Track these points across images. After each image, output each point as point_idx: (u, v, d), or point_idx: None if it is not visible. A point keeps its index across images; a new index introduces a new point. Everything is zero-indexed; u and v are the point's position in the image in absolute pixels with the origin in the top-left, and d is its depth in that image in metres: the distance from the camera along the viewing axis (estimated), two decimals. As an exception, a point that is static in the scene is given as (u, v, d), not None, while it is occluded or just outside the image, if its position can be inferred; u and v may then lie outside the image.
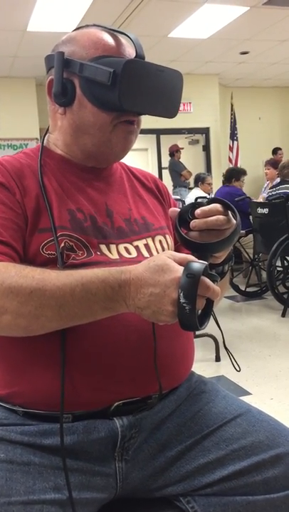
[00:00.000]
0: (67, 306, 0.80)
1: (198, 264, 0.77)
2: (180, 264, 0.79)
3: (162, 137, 8.28)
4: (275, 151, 8.19)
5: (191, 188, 7.65)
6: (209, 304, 0.82)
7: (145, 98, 0.98)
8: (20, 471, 0.87)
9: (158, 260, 0.80)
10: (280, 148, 8.22)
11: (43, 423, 0.92)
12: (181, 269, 0.77)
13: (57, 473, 0.88)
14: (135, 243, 1.02)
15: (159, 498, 0.99)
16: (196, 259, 0.80)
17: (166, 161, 8.40)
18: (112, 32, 1.01)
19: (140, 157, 9.66)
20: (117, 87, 0.92)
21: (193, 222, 0.88)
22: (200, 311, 0.80)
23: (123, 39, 1.02)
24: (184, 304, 0.75)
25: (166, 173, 8.23)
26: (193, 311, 0.75)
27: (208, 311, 0.82)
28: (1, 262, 0.85)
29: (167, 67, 0.99)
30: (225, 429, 1.00)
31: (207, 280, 0.78)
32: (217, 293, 0.79)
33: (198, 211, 0.88)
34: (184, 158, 8.58)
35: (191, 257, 0.81)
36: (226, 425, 1.00)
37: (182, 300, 0.75)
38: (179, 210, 0.92)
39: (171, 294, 0.76)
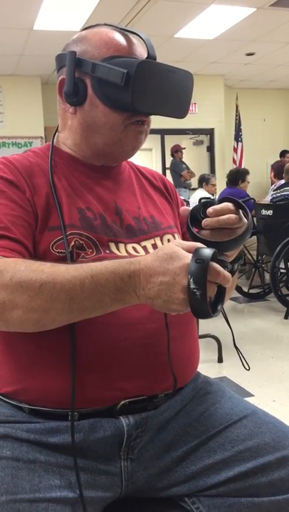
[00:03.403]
0: (78, 299, 0.80)
1: (206, 250, 0.77)
2: (188, 251, 0.78)
3: (167, 137, 8.27)
4: (283, 153, 8.13)
5: (193, 189, 7.65)
6: (221, 290, 0.81)
7: (157, 99, 0.98)
8: (26, 469, 0.87)
9: (166, 249, 0.79)
10: (288, 151, 8.16)
11: (49, 421, 0.92)
12: (189, 255, 0.77)
13: (63, 472, 0.88)
14: (143, 243, 1.02)
15: (164, 498, 0.99)
16: (205, 246, 0.79)
17: (170, 161, 8.40)
18: (123, 31, 1.01)
19: (144, 157, 9.66)
20: (130, 88, 0.92)
21: (205, 221, 0.88)
22: (212, 298, 0.80)
23: (134, 39, 1.02)
24: (195, 290, 0.74)
25: (170, 173, 8.23)
26: (204, 297, 0.74)
27: (220, 298, 0.81)
28: (10, 258, 0.85)
29: (178, 67, 1.00)
30: (231, 430, 1.00)
31: (217, 265, 0.77)
32: (228, 279, 0.78)
33: (210, 210, 0.88)
34: (188, 158, 8.58)
35: (199, 244, 0.81)
36: (232, 426, 1.00)
37: (192, 286, 0.74)
38: (190, 208, 0.92)
39: (181, 281, 0.76)
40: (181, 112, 1.03)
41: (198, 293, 0.74)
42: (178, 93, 1.01)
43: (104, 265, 0.81)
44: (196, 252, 0.77)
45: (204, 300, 0.75)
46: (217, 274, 0.77)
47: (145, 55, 0.99)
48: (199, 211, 0.90)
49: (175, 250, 0.78)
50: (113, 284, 0.80)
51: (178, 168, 8.18)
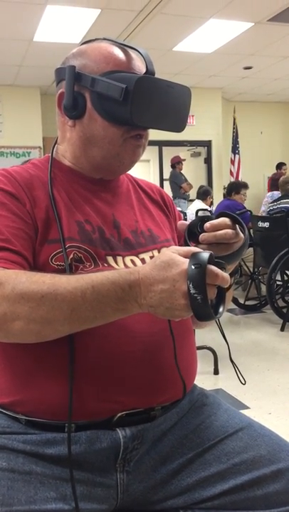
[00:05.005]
0: (79, 310, 0.81)
1: (203, 254, 0.77)
2: (185, 257, 0.79)
3: (164, 149, 8.32)
4: (280, 166, 8.19)
5: (191, 200, 7.67)
6: (221, 291, 0.82)
7: (155, 113, 0.99)
8: (21, 480, 0.87)
9: (163, 257, 0.80)
10: (284, 164, 8.22)
11: (46, 432, 0.92)
12: (187, 261, 0.78)
13: (58, 484, 0.88)
14: (141, 256, 1.03)
15: (159, 510, 0.98)
16: (201, 250, 0.80)
17: (167, 172, 8.44)
18: (122, 46, 1.03)
19: (142, 168, 9.70)
20: (129, 103, 0.93)
21: (202, 236, 0.89)
22: (214, 301, 0.80)
23: (133, 54, 1.03)
24: (195, 295, 0.75)
25: (167, 185, 8.26)
26: (205, 301, 0.75)
27: (221, 299, 0.82)
28: (11, 270, 0.86)
29: (177, 83, 1.01)
30: (226, 442, 1.00)
31: (214, 268, 0.78)
32: (227, 279, 0.79)
33: (207, 225, 0.89)
34: (186, 170, 8.62)
35: (194, 248, 0.82)
36: (228, 439, 1.00)
37: (192, 291, 0.75)
38: (187, 223, 0.93)
39: (181, 287, 0.76)
40: (179, 126, 1.04)
41: (199, 297, 0.75)
42: (176, 108, 1.02)
43: (105, 276, 0.82)
44: (192, 256, 0.78)
45: (206, 303, 0.75)
46: (215, 276, 0.77)
47: (144, 70, 1.00)
48: (196, 226, 0.91)
49: (172, 257, 0.79)
50: (114, 294, 0.80)
51: (178, 179, 8.21)
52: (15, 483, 0.86)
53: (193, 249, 0.81)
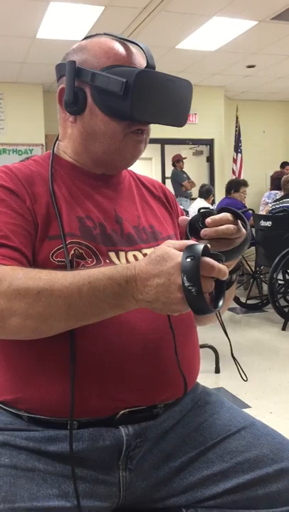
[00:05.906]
0: (76, 305, 0.80)
1: (197, 245, 0.76)
2: (180, 250, 0.78)
3: (167, 147, 8.30)
4: (283, 165, 8.16)
5: (193, 199, 7.66)
6: (220, 284, 0.80)
7: (156, 108, 0.99)
8: (24, 477, 0.87)
9: (158, 251, 0.80)
10: (288, 163, 8.20)
11: (48, 429, 0.92)
12: (181, 254, 0.77)
13: (61, 481, 0.88)
14: (144, 251, 1.02)
15: (161, 508, 0.98)
16: (196, 242, 0.79)
17: (169, 170, 8.42)
18: (122, 41, 1.02)
19: (144, 166, 9.68)
20: (129, 97, 0.93)
21: (203, 231, 0.88)
22: (213, 294, 0.79)
23: (134, 48, 1.03)
24: (190, 287, 0.74)
25: (169, 183, 8.25)
26: (200, 293, 0.74)
27: (220, 292, 0.81)
28: (9, 266, 0.85)
29: (177, 76, 1.01)
30: (229, 441, 1.00)
31: (209, 260, 0.76)
32: (224, 272, 0.78)
33: (208, 220, 0.88)
34: (188, 168, 8.61)
35: (189, 241, 0.81)
36: (230, 437, 1.00)
37: (186, 283, 0.74)
38: (189, 218, 0.93)
39: (176, 280, 0.76)
40: (180, 120, 1.04)
41: (193, 290, 0.74)
42: (177, 102, 1.02)
43: (102, 271, 0.81)
44: (186, 249, 0.77)
45: (201, 296, 0.74)
46: (211, 268, 0.76)
47: (144, 65, 1.00)
48: (198, 221, 0.90)
49: (167, 251, 0.79)
50: (111, 290, 0.80)
51: (179, 177, 8.20)
52: (17, 479, 0.86)
53: (188, 242, 0.80)
